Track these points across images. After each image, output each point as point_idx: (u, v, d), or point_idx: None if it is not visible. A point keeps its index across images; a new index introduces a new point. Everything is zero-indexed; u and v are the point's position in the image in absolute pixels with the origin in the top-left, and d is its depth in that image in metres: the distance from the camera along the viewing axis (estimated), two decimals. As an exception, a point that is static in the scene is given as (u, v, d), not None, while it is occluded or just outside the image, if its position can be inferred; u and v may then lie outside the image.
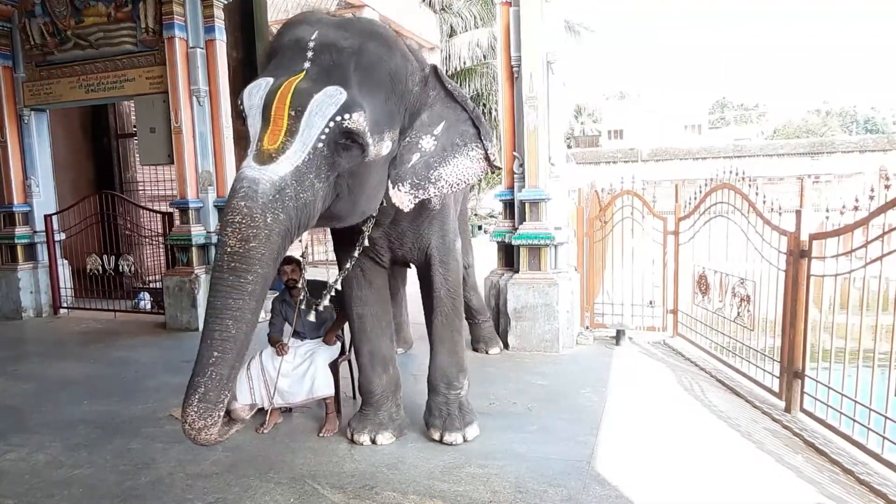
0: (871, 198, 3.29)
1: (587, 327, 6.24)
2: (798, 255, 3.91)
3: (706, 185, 5.25)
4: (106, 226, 7.93)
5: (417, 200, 3.21)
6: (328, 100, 2.63)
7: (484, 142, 3.26)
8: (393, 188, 3.13)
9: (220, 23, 7.03)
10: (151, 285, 8.71)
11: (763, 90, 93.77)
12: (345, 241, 3.72)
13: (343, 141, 2.70)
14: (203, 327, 2.58)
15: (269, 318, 4.20)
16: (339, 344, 4.27)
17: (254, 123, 2.70)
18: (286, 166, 2.58)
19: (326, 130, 2.63)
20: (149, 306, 8.17)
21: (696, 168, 27.23)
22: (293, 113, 2.60)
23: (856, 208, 3.41)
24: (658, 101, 40.92)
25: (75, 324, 7.57)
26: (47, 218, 7.93)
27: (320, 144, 2.65)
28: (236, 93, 7.83)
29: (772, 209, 4.26)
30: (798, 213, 3.90)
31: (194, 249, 7.03)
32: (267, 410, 4.04)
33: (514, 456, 3.53)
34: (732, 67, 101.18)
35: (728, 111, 53.81)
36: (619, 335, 5.85)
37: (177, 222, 7.25)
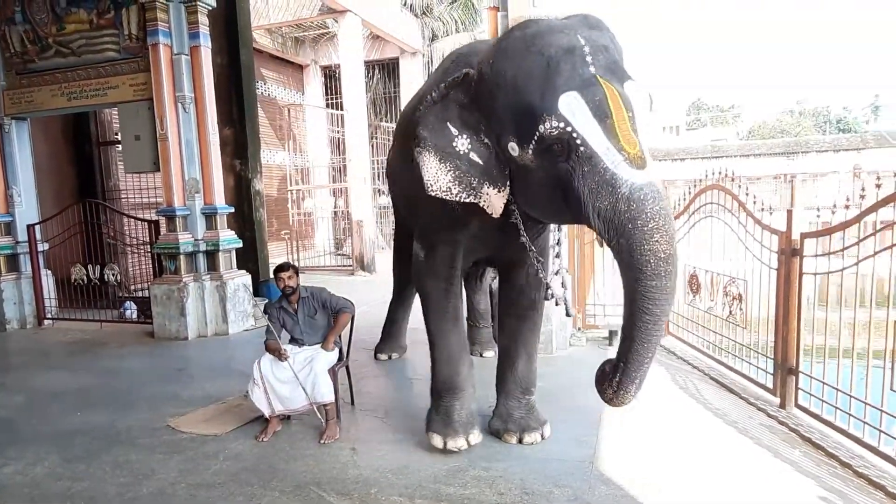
0: (863, 196, 3.37)
1: (579, 329, 6.28)
2: (790, 253, 3.99)
3: (695, 186, 5.32)
4: (90, 235, 7.81)
5: None
6: (638, 95, 2.69)
7: None
8: None
9: (204, 29, 6.99)
10: (136, 294, 8.60)
11: (737, 91, 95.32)
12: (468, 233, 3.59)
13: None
14: (641, 327, 2.60)
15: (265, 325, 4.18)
16: (337, 350, 4.27)
17: (595, 138, 2.60)
18: (653, 164, 2.62)
19: (647, 122, 2.71)
20: (135, 316, 8.07)
21: (675, 169, 27.50)
22: (630, 115, 2.62)
23: (847, 206, 3.49)
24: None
25: (61, 334, 7.44)
26: (30, 228, 7.79)
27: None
28: (221, 99, 7.77)
29: (762, 209, 4.34)
30: (789, 212, 3.98)
31: (182, 257, 6.96)
32: (268, 418, 4.04)
33: (517, 457, 3.56)
34: (707, 69, 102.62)
35: (704, 113, 54.45)
36: (611, 336, 5.90)
37: (163, 230, 7.18)
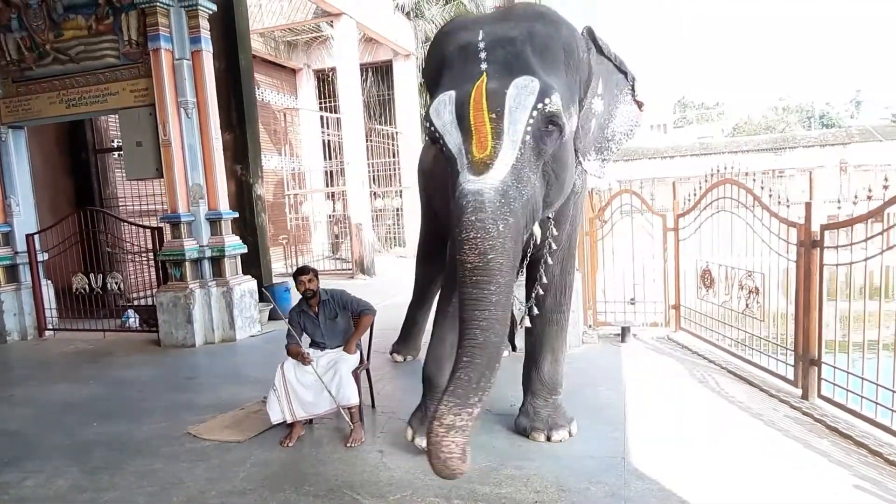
0: (885, 187, 3.40)
1: (590, 326, 6.30)
2: (809, 245, 4.02)
3: (706, 181, 5.35)
4: (90, 244, 7.71)
5: (605, 164, 3.23)
6: (523, 91, 2.60)
7: (631, 84, 3.28)
8: (583, 160, 3.13)
9: (206, 33, 6.92)
10: (137, 302, 8.50)
11: (721, 88, 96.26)
12: None
13: (546, 127, 2.67)
14: (460, 334, 2.58)
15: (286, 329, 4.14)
16: (358, 352, 4.23)
17: (452, 139, 2.66)
18: (503, 169, 2.56)
19: (531, 121, 2.61)
20: (136, 324, 7.97)
21: (665, 166, 27.81)
22: (493, 115, 2.57)
23: (869, 198, 3.52)
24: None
25: (64, 345, 7.33)
26: (29, 238, 7.68)
27: (528, 137, 2.62)
28: (221, 103, 7.69)
29: (779, 202, 4.36)
30: (808, 204, 4.01)
31: (188, 264, 6.88)
32: (288, 424, 4.00)
33: (548, 456, 3.55)
34: (690, 67, 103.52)
35: (689, 111, 54.97)
36: (624, 332, 5.92)
37: (168, 237, 7.10)
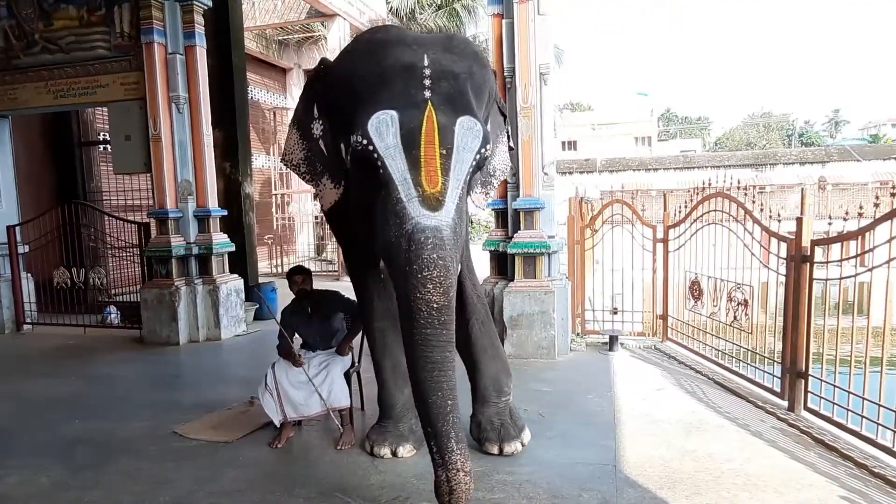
0: (876, 205, 3.47)
1: (578, 334, 6.33)
2: (800, 260, 4.08)
3: (697, 193, 5.41)
4: (73, 237, 7.58)
5: (489, 197, 3.28)
6: (470, 133, 2.64)
7: (507, 126, 3.40)
8: (472, 193, 3.16)
9: (200, 28, 6.89)
10: (118, 299, 8.37)
11: (704, 103, 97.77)
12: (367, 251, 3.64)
13: (477, 170, 2.77)
14: (426, 378, 2.58)
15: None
16: (350, 354, 4.21)
17: (395, 165, 2.58)
18: (451, 207, 2.58)
19: (473, 163, 2.67)
20: (117, 320, 7.85)
21: (648, 178, 28.10)
22: (444, 152, 2.57)
23: (860, 215, 3.59)
24: (608, 113, 41.94)
25: (43, 340, 7.20)
26: (10, 229, 7.53)
27: (467, 177, 2.69)
28: (212, 100, 7.63)
29: (770, 216, 4.43)
30: (799, 220, 4.07)
31: (174, 261, 6.81)
32: (278, 425, 3.96)
33: (539, 462, 3.55)
34: (675, 82, 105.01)
35: (672, 124, 55.68)
36: (612, 341, 5.95)
37: (154, 233, 7.01)
